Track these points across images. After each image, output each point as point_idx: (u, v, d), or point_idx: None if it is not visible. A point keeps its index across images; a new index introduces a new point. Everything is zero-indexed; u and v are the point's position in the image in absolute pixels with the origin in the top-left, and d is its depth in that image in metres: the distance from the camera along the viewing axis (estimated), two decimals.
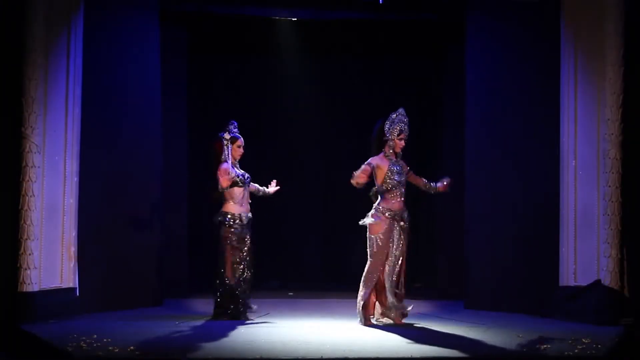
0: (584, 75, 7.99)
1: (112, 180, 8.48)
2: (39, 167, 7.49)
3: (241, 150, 7.93)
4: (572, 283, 8.00)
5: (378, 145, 7.79)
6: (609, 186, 7.65)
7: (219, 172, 7.74)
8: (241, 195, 7.84)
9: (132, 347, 6.10)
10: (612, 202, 7.63)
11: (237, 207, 7.81)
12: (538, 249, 8.40)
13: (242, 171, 7.93)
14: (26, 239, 7.36)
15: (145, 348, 6.17)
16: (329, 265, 11.17)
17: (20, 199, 7.36)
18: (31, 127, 7.41)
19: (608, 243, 7.63)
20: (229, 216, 7.78)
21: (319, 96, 10.93)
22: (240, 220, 7.81)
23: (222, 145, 7.83)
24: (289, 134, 11.06)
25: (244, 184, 7.83)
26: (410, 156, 10.77)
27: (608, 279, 7.62)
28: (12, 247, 7.35)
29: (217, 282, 7.83)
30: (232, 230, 7.77)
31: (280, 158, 11.01)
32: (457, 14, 9.19)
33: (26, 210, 7.37)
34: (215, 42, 10.68)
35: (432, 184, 7.83)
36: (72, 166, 7.90)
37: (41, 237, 7.53)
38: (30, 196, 7.39)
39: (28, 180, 7.39)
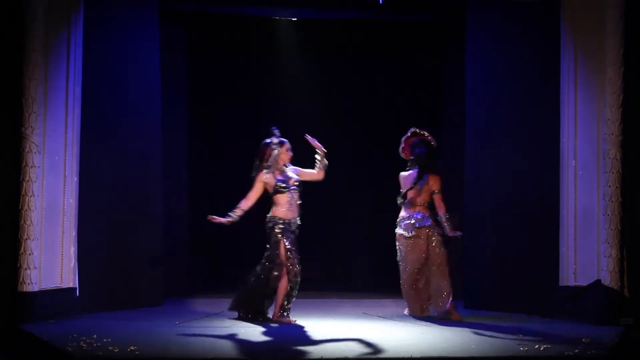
0: (584, 75, 7.99)
1: (112, 180, 8.48)
2: (39, 167, 7.48)
3: (290, 153, 7.88)
4: (572, 283, 8.00)
5: None
6: (609, 186, 7.65)
7: (257, 179, 7.76)
8: (288, 201, 7.76)
9: (132, 347, 6.10)
10: (612, 202, 7.63)
11: (285, 212, 7.74)
12: (538, 249, 8.40)
13: (292, 175, 7.86)
14: (26, 239, 7.35)
15: (145, 348, 6.17)
16: (329, 265, 11.17)
17: (20, 199, 7.36)
18: (31, 127, 7.41)
19: (608, 243, 7.63)
20: (279, 220, 7.72)
21: (319, 96, 10.94)
22: (289, 225, 7.76)
23: (270, 151, 7.79)
24: (289, 134, 11.02)
25: (287, 189, 7.76)
26: None
27: (608, 279, 7.62)
28: (12, 247, 7.35)
29: (253, 280, 7.76)
30: (283, 234, 7.71)
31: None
32: (457, 13, 9.19)
33: (26, 210, 7.37)
34: (215, 42, 10.69)
35: (445, 223, 8.16)
36: (72, 166, 7.89)
37: (41, 237, 7.53)
38: (30, 196, 7.39)
39: (28, 180, 7.39)
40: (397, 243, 8.37)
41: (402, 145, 8.44)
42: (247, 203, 7.76)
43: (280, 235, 7.71)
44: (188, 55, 10.10)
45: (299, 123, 10.95)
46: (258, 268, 7.80)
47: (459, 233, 8.24)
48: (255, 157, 7.84)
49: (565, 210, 8.09)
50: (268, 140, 7.84)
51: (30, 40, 7.42)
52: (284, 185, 7.75)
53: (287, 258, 7.71)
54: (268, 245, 7.77)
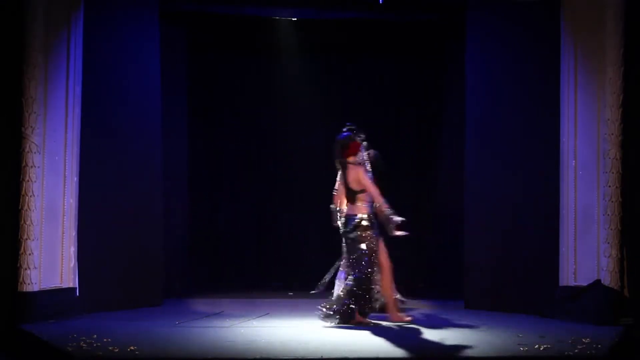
0: (584, 75, 8.00)
1: (112, 180, 8.47)
2: (39, 167, 7.49)
3: None
4: (572, 283, 8.00)
5: None
6: (609, 186, 7.65)
7: (362, 175, 7.64)
8: (370, 198, 7.71)
9: (132, 347, 6.10)
10: (612, 202, 7.63)
11: (369, 208, 7.69)
12: (538, 249, 8.40)
13: None
14: (26, 239, 7.36)
15: (145, 348, 6.18)
16: (329, 265, 11.14)
17: (20, 199, 7.36)
18: (31, 127, 7.42)
19: (608, 243, 7.63)
20: (369, 217, 7.63)
21: (319, 96, 10.93)
22: (372, 220, 7.69)
23: (358, 146, 7.76)
24: (289, 134, 11.06)
25: None
26: (410, 156, 10.77)
27: (608, 279, 7.62)
28: (12, 247, 7.35)
29: (358, 286, 7.57)
30: (373, 231, 7.64)
31: (280, 158, 11.01)
32: (457, 13, 9.20)
33: (26, 210, 7.37)
34: (215, 42, 10.69)
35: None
36: (72, 166, 7.89)
37: (41, 237, 7.53)
38: (30, 196, 7.40)
39: (28, 180, 7.39)
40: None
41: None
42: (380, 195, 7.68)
43: (375, 234, 7.63)
44: (188, 55, 10.10)
45: (299, 123, 11.01)
46: (356, 271, 7.61)
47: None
48: (339, 149, 7.75)
49: (565, 210, 8.09)
50: (348, 134, 7.77)
51: (30, 40, 7.43)
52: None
53: (381, 255, 7.66)
54: (362, 245, 7.61)
